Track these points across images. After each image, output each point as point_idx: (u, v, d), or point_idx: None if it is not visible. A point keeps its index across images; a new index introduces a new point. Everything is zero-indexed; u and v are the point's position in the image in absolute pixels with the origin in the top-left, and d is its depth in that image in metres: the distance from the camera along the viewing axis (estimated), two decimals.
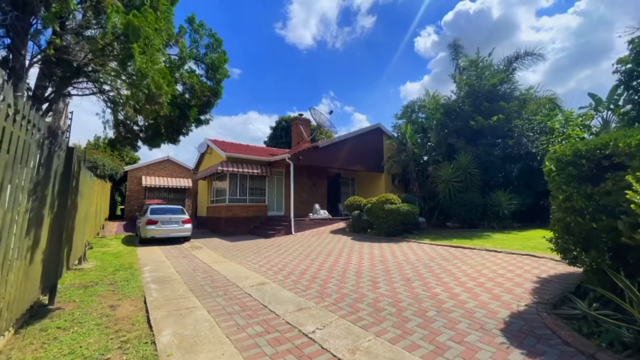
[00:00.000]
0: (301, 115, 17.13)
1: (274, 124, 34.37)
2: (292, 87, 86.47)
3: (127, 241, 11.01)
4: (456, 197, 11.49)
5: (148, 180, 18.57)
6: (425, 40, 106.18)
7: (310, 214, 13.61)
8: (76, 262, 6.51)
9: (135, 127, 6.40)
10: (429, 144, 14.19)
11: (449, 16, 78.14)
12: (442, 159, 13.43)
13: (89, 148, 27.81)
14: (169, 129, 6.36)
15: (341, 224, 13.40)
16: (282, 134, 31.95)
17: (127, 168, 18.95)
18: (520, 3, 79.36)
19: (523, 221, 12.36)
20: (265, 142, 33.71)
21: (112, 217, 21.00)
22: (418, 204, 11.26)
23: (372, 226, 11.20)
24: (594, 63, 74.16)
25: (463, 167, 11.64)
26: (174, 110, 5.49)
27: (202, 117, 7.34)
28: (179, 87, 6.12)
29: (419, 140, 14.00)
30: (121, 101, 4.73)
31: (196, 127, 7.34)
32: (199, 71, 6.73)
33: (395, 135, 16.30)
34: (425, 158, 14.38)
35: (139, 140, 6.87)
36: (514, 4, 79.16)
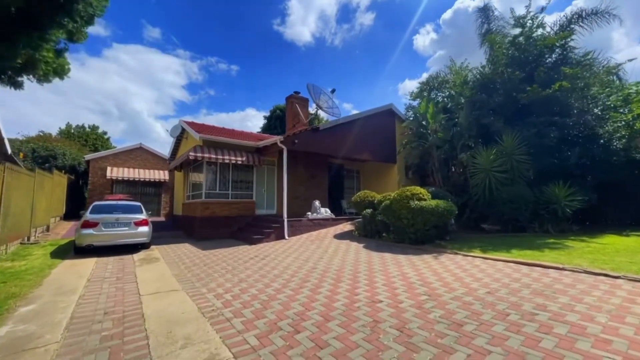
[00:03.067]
0: (298, 93, 14.29)
1: (268, 114, 31.53)
2: (290, 83, 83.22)
3: (62, 250, 8.17)
4: (499, 191, 8.82)
5: (114, 172, 15.54)
6: (424, 39, 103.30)
7: (309, 213, 10.88)
8: None
9: None
10: (455, 127, 11.45)
11: (447, 14, 75.18)
12: (473, 144, 10.74)
13: (62, 136, 25.11)
14: None
15: (347, 226, 10.70)
16: (276, 124, 29.13)
17: (88, 157, 15.86)
18: (519, 0, 76.59)
19: (576, 223, 9.72)
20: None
21: (77, 216, 18.24)
22: (450, 200, 8.57)
23: (390, 229, 8.52)
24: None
25: (507, 154, 8.96)
26: None
27: (61, 31, 3.93)
28: None
29: (443, 122, 11.26)
30: None
31: (46, 46, 3.94)
32: None
33: (411, 118, 13.57)
34: (449, 144, 11.66)
35: None
36: (512, 2, 76.59)
